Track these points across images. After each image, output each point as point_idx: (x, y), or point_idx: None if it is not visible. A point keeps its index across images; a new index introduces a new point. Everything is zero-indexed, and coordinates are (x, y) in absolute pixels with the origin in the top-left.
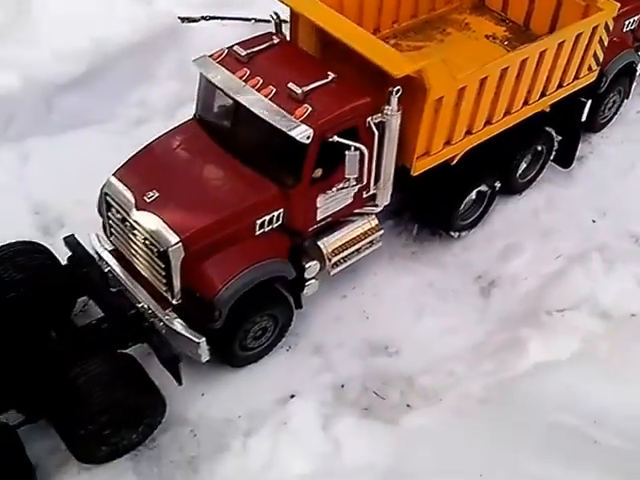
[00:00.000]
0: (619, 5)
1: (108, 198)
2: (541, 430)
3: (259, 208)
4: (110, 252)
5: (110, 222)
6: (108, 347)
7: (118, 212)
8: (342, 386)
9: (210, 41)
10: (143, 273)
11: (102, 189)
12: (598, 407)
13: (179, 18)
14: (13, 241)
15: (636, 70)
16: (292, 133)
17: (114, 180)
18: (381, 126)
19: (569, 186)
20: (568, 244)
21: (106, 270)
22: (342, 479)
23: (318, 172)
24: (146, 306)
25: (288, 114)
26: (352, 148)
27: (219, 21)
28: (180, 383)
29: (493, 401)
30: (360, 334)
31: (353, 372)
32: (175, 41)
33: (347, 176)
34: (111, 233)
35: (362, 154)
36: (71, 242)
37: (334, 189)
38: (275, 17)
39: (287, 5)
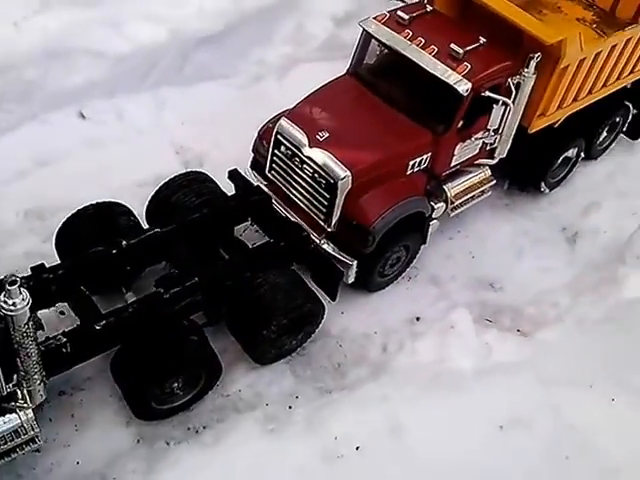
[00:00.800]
0: None
1: (279, 137)
2: None
3: (413, 151)
4: (266, 185)
5: (275, 159)
6: (279, 264)
7: (288, 149)
8: (477, 323)
9: (322, 8)
10: (302, 205)
11: (266, 129)
12: None
13: None
14: (186, 170)
15: None
16: (456, 86)
17: (285, 122)
18: (517, 86)
19: (637, 155)
20: None
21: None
22: (504, 377)
23: (461, 124)
24: (309, 235)
25: (451, 69)
26: (500, 102)
27: None
28: (335, 299)
29: (610, 320)
30: (468, 270)
31: (467, 301)
32: (294, 8)
33: (489, 127)
34: (272, 168)
35: (507, 107)
36: (235, 175)
37: (473, 138)
38: None
39: None
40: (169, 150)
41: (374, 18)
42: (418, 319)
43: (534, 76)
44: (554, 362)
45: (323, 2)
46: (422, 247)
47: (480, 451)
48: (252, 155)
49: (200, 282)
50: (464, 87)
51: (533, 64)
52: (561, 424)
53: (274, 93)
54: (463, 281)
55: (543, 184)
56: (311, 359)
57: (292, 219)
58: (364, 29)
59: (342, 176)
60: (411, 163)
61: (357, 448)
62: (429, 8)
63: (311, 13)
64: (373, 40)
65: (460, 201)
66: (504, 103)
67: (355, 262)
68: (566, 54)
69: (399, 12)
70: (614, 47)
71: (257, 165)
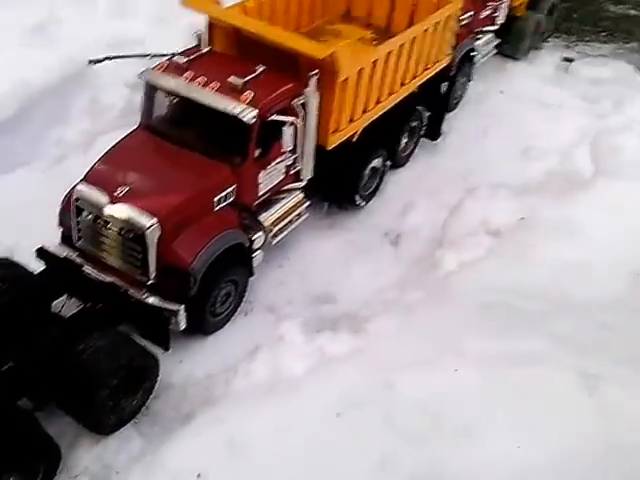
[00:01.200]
0: None
1: (79, 203)
2: (474, 311)
3: (216, 186)
4: (77, 256)
5: (80, 226)
6: (101, 327)
7: (90, 213)
8: (307, 332)
9: (114, 78)
10: (117, 265)
11: (68, 198)
12: (513, 282)
13: (88, 61)
14: None
15: (474, 56)
16: (241, 115)
17: (82, 185)
18: (304, 107)
19: (440, 155)
20: (450, 195)
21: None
22: (334, 369)
23: (258, 152)
24: (127, 290)
25: (235, 101)
26: (288, 123)
27: (120, 60)
28: (167, 348)
29: (431, 298)
30: (303, 292)
31: (305, 319)
32: (85, 81)
33: (284, 149)
34: (79, 238)
35: (295, 126)
36: (43, 252)
37: (273, 164)
38: (197, 33)
39: (209, 16)
40: None
41: (152, 68)
42: (257, 348)
43: (317, 94)
44: (388, 348)
45: (112, 71)
46: (251, 280)
47: (320, 436)
48: (60, 230)
49: (17, 366)
50: (250, 115)
51: (313, 82)
52: (402, 399)
53: (80, 169)
54: (299, 303)
55: (358, 197)
56: (157, 415)
57: (106, 280)
58: (145, 80)
59: (148, 225)
60: (216, 199)
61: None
62: (205, 50)
63: (103, 84)
64: (158, 90)
65: (278, 228)
66: (291, 123)
67: (182, 307)
68: (341, 67)
69: (175, 58)
70: (389, 54)
71: (66, 238)
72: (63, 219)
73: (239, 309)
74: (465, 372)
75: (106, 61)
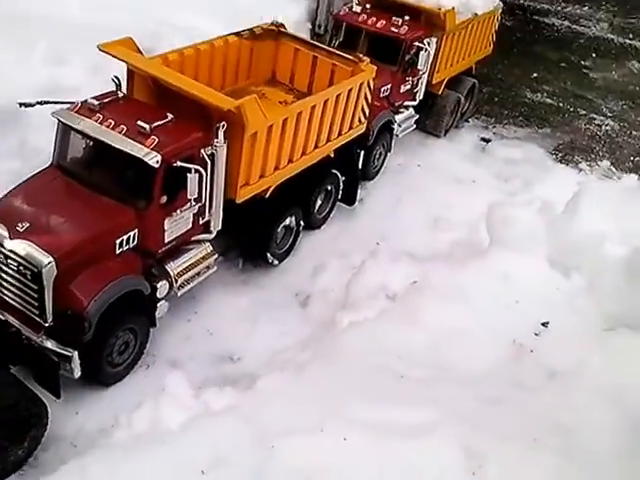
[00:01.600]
0: (376, 68)
1: None
2: (362, 374)
3: (118, 228)
4: None
5: None
6: None
7: None
8: (199, 387)
9: (46, 121)
10: (15, 303)
11: None
12: (399, 346)
13: (18, 103)
14: None
15: (393, 128)
16: (145, 158)
17: None
18: (212, 157)
19: (356, 220)
20: (359, 259)
21: None
22: (210, 424)
23: (164, 199)
24: (20, 330)
25: (140, 144)
26: (192, 170)
27: (52, 105)
28: (58, 396)
29: (322, 358)
30: (208, 348)
31: (206, 377)
32: (15, 123)
33: (189, 196)
34: None
35: (200, 175)
36: None
37: (178, 211)
38: (116, 79)
39: (127, 63)
40: None
41: (67, 108)
42: (145, 399)
43: (225, 144)
44: (274, 408)
45: (43, 115)
46: (156, 332)
47: None
48: None
49: None
50: (154, 158)
51: (221, 133)
52: (279, 464)
53: None
54: (203, 359)
55: (269, 255)
56: (45, 468)
57: (1, 318)
58: (57, 118)
59: (45, 262)
60: (118, 242)
61: None
62: (120, 94)
63: (33, 127)
64: (70, 130)
65: (184, 279)
66: (197, 171)
67: (75, 353)
68: (249, 120)
69: (90, 99)
70: (300, 114)
71: None
72: None
73: (140, 362)
74: (352, 441)
75: (37, 105)
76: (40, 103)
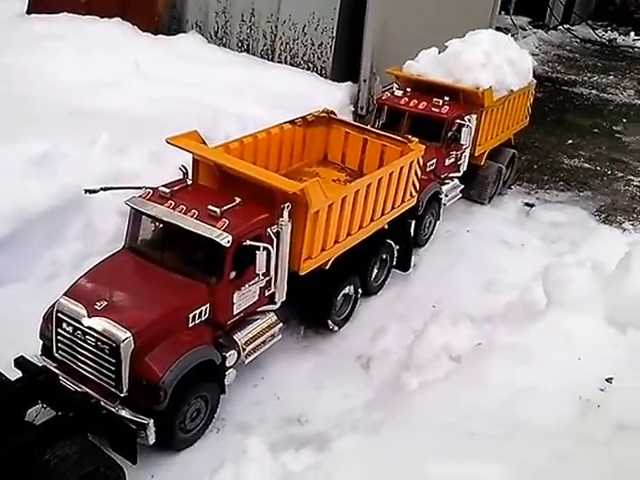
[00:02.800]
0: (424, 147)
1: (59, 314)
2: (434, 432)
3: (190, 303)
4: (55, 367)
5: (59, 337)
6: (71, 436)
7: (70, 325)
8: (273, 450)
9: (108, 206)
10: (92, 377)
11: (50, 312)
12: (469, 405)
13: (84, 190)
14: None
15: (441, 198)
16: (218, 239)
17: (64, 299)
18: (277, 235)
19: (411, 285)
20: (419, 322)
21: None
22: None
23: (233, 274)
24: (99, 401)
25: (212, 226)
26: (261, 248)
27: (115, 191)
28: (135, 462)
29: (392, 418)
30: (276, 412)
31: (276, 439)
32: (80, 208)
33: (257, 271)
34: (58, 348)
35: (269, 252)
36: (21, 361)
37: (247, 285)
38: (183, 169)
39: (193, 153)
40: None
41: (139, 196)
42: (223, 463)
43: (290, 223)
44: (350, 468)
45: (106, 201)
46: (225, 398)
47: None
48: (41, 342)
49: None
50: (225, 239)
51: (286, 213)
52: None
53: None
54: (272, 422)
55: (330, 322)
56: None
57: (79, 390)
58: (130, 206)
59: (123, 338)
60: (191, 316)
61: None
62: (189, 182)
63: (97, 211)
64: (142, 215)
65: (251, 347)
66: (265, 248)
67: (151, 421)
68: (311, 200)
69: (161, 188)
70: (357, 192)
71: (46, 350)
72: (44, 331)
73: (210, 426)
74: None
75: (101, 192)
76: (104, 189)
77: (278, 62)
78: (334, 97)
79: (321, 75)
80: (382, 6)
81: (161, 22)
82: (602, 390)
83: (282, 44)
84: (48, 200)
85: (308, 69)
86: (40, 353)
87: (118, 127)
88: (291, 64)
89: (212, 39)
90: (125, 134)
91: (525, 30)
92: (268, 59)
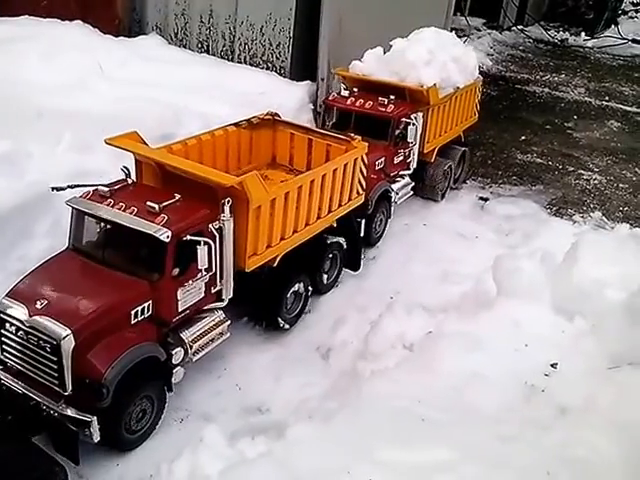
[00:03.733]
0: (367, 144)
1: (2, 316)
2: (386, 418)
3: (132, 300)
4: (1, 369)
5: (3, 339)
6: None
7: (12, 325)
8: (233, 437)
9: None
10: (36, 377)
11: None
12: (420, 392)
13: (50, 187)
14: None
15: (391, 196)
16: (156, 234)
17: (6, 300)
18: (220, 231)
19: (370, 277)
20: (376, 313)
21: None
22: (246, 470)
23: (175, 271)
24: (38, 402)
25: (150, 222)
26: (202, 243)
27: (81, 188)
28: (77, 463)
29: (347, 405)
30: (237, 402)
31: (236, 428)
32: (48, 205)
33: (200, 267)
34: (2, 350)
35: (210, 246)
36: None
37: (190, 281)
38: (125, 169)
39: (135, 154)
40: None
41: (79, 196)
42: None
43: (231, 219)
44: (304, 455)
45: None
46: (185, 387)
47: None
48: None
49: None
50: (164, 234)
51: (227, 208)
52: None
53: None
54: (233, 412)
55: (280, 320)
56: None
57: (19, 391)
58: (70, 206)
59: (63, 335)
60: (133, 312)
61: None
62: (130, 181)
63: (66, 208)
64: (82, 215)
65: (199, 345)
66: (206, 243)
67: (94, 418)
68: (252, 195)
69: (100, 187)
70: (300, 187)
71: None
72: None
73: (174, 416)
74: None
75: (68, 189)
76: (70, 187)
77: (238, 62)
78: (294, 96)
79: (280, 74)
80: (337, 5)
81: (122, 24)
82: (547, 375)
83: (241, 44)
84: (15, 198)
85: (267, 69)
86: None
87: (83, 127)
88: (250, 64)
89: (172, 40)
90: (90, 133)
91: (480, 31)
92: (228, 59)
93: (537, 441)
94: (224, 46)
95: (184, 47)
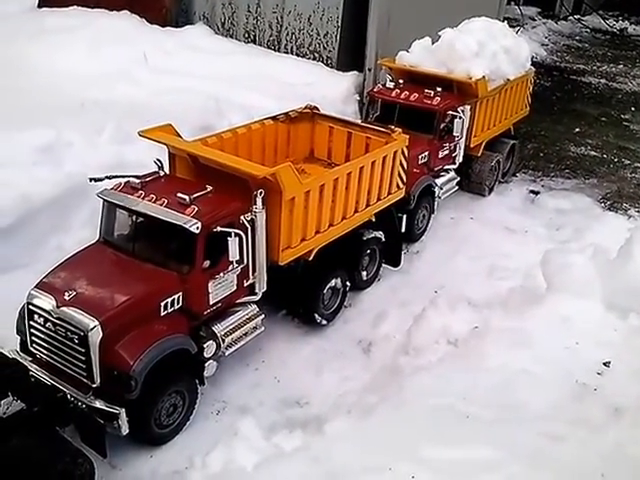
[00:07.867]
0: (408, 137)
1: (30, 307)
2: (428, 415)
3: (161, 291)
4: (31, 361)
5: (32, 330)
6: (37, 429)
7: (41, 316)
8: (269, 431)
9: None
10: (64, 368)
11: (24, 305)
12: (464, 388)
13: (89, 178)
14: None
15: (434, 191)
16: (186, 225)
17: (34, 291)
18: (252, 223)
19: (414, 271)
20: (420, 307)
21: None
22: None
23: (206, 263)
24: (68, 393)
25: (181, 213)
26: (232, 234)
27: (120, 179)
28: (105, 456)
29: (387, 401)
30: (275, 394)
31: (275, 420)
32: (86, 196)
33: (231, 259)
34: (32, 342)
35: (240, 238)
36: None
37: (222, 274)
38: (158, 162)
39: (169, 147)
40: None
41: (110, 189)
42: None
43: (263, 211)
44: (343, 450)
45: None
46: (221, 380)
47: None
48: (18, 338)
49: None
50: (195, 225)
51: (259, 200)
52: None
53: None
54: (271, 404)
55: (317, 316)
56: None
57: (48, 383)
58: (101, 198)
59: (91, 326)
60: (162, 304)
61: None
62: (162, 173)
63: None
64: (114, 207)
65: (231, 338)
66: (237, 234)
67: (123, 410)
68: (285, 186)
69: (131, 179)
70: (336, 181)
71: (23, 345)
72: (19, 326)
73: (212, 408)
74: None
75: (106, 180)
76: (109, 177)
77: (284, 52)
78: (340, 86)
79: (327, 65)
80: None
81: (169, 14)
82: (599, 374)
83: (288, 34)
84: (55, 188)
85: (314, 59)
86: (19, 349)
87: (125, 117)
88: (297, 54)
89: (219, 30)
90: (132, 124)
91: (534, 20)
92: (274, 49)
93: (589, 441)
94: (271, 36)
95: (231, 37)
